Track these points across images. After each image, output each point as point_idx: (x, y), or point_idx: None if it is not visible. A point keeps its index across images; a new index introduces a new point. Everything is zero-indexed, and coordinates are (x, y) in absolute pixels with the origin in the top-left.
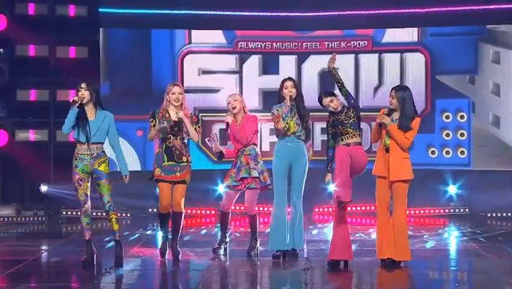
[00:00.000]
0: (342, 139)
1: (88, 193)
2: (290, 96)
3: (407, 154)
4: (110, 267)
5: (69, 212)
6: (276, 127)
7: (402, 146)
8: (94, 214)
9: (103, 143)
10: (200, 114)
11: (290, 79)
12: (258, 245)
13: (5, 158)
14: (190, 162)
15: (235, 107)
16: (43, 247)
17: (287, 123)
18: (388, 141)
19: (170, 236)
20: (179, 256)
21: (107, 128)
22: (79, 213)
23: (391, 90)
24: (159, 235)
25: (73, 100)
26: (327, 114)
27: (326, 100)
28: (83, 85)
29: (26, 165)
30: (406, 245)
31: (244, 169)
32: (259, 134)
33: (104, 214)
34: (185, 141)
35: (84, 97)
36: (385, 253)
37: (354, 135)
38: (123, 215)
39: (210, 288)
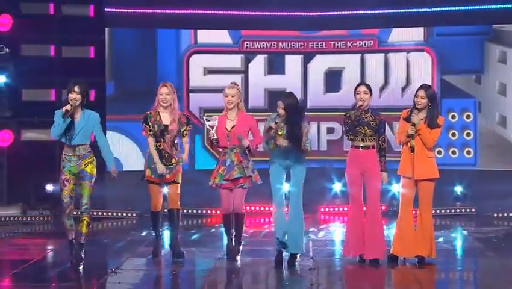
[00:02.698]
0: (363, 140)
1: (72, 195)
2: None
3: (432, 153)
4: (116, 267)
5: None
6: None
7: (427, 145)
8: (95, 213)
9: (88, 144)
10: (205, 114)
11: (282, 99)
12: (241, 248)
13: (10, 158)
14: (181, 160)
15: (231, 102)
16: (49, 247)
17: (272, 143)
18: (413, 141)
19: (161, 235)
20: (183, 254)
21: (91, 129)
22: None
23: (419, 90)
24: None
25: (66, 110)
26: (345, 113)
27: (362, 89)
28: (76, 88)
29: (32, 165)
30: (433, 242)
31: (237, 168)
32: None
33: (104, 214)
34: (176, 142)
35: (77, 101)
36: (411, 252)
37: (372, 138)
38: (129, 215)
39: (215, 288)
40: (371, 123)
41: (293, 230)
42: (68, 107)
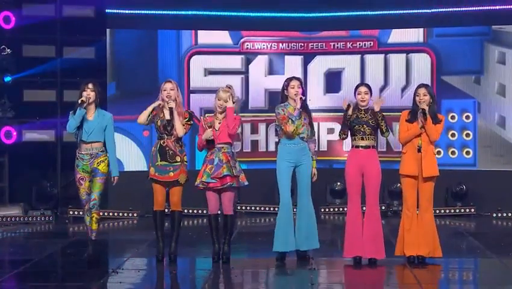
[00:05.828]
0: (363, 139)
1: (89, 192)
2: (300, 98)
3: (435, 150)
4: (117, 267)
5: (76, 212)
6: (284, 129)
7: (433, 137)
8: (102, 214)
9: (102, 142)
10: (206, 115)
11: (296, 78)
12: (229, 251)
13: (12, 158)
14: (186, 162)
15: (222, 107)
16: (50, 247)
17: (296, 126)
18: (420, 141)
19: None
20: (176, 257)
21: (105, 127)
22: (81, 212)
23: (420, 88)
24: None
25: (82, 100)
26: (344, 112)
27: (363, 89)
28: (90, 85)
29: (33, 166)
30: (438, 241)
31: (226, 166)
32: (265, 134)
33: (105, 214)
34: (181, 141)
35: (90, 98)
36: (414, 251)
37: (371, 137)
38: (130, 215)
39: (216, 287)
40: (370, 121)
41: (307, 226)
42: (83, 98)
